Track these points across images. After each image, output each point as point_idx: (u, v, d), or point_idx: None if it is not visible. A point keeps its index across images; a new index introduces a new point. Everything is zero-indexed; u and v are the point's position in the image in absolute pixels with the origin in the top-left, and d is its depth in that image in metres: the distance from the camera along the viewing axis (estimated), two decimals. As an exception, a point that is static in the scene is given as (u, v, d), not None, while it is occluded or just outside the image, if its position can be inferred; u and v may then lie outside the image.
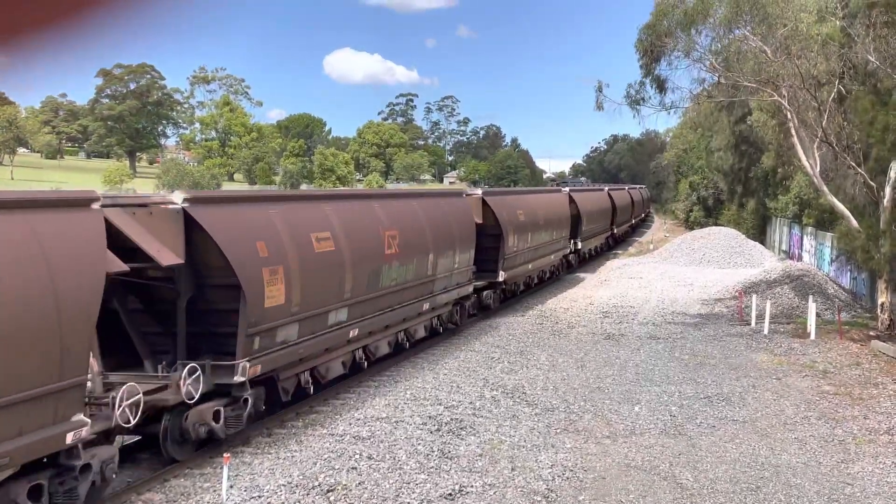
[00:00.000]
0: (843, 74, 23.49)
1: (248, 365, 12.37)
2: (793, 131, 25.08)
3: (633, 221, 71.48)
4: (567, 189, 39.94)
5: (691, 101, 28.53)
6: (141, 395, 10.75)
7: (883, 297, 23.68)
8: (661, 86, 26.82)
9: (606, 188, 54.84)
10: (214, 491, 10.88)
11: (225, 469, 9.91)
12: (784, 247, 47.21)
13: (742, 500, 11.19)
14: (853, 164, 23.47)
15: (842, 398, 16.75)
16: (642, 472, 12.26)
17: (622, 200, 56.81)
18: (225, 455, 10.27)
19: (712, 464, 12.65)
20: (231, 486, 10.79)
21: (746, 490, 11.55)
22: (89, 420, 9.66)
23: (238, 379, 12.27)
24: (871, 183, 23.25)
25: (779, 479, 12.05)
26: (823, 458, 13.10)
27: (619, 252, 53.26)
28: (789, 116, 24.90)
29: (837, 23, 23.93)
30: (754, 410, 15.76)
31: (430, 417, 14.53)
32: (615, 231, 53.57)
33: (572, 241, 37.17)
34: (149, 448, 12.46)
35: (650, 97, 27.05)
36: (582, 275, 38.98)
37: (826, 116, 23.58)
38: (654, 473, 12.20)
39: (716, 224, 59.54)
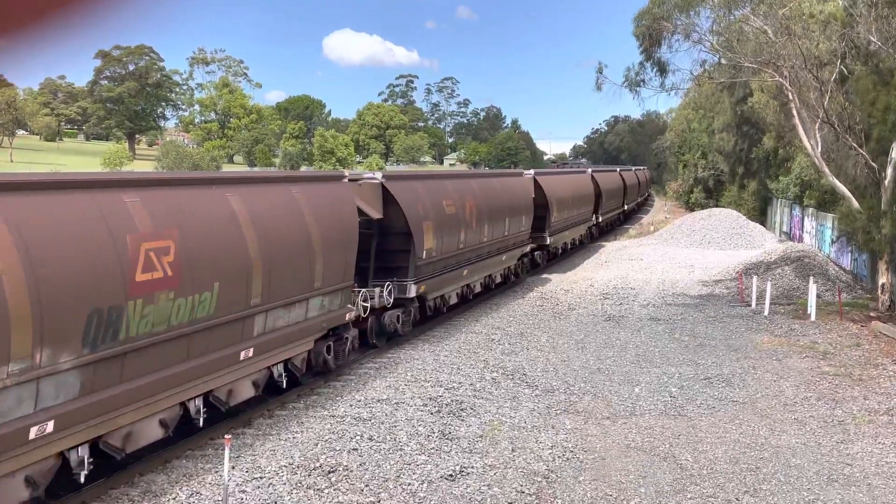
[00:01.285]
0: (844, 55, 23.39)
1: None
2: (794, 112, 25.01)
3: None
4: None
5: (692, 82, 28.44)
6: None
7: (883, 278, 23.68)
8: (661, 68, 26.74)
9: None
10: (216, 472, 10.92)
11: (226, 450, 9.94)
12: (785, 228, 47.17)
13: (741, 480, 11.24)
14: (854, 145, 23.41)
15: (842, 379, 16.79)
16: (642, 452, 12.31)
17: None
18: (226, 436, 10.30)
19: (712, 444, 12.69)
20: (233, 468, 10.83)
21: (746, 470, 11.60)
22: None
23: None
24: (873, 164, 23.19)
25: (778, 459, 12.09)
26: (823, 438, 13.15)
27: (623, 228, 53.28)
28: (790, 97, 24.81)
29: (839, 2, 23.79)
30: (754, 391, 15.80)
31: (430, 399, 14.57)
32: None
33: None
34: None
35: (650, 79, 26.99)
36: (583, 257, 39.03)
37: (827, 97, 23.49)
38: (653, 454, 12.24)
39: (716, 205, 59.49)
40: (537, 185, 30.84)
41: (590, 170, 48.51)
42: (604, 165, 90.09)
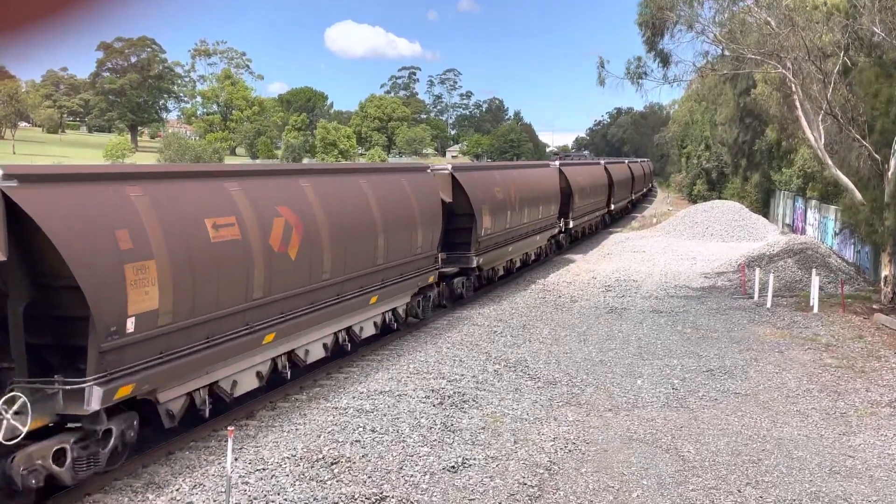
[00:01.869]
0: (848, 46, 23.31)
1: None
2: (797, 104, 24.94)
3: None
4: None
5: (695, 73, 28.36)
6: None
7: (886, 270, 23.65)
8: (664, 59, 26.67)
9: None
10: (219, 464, 10.95)
11: (229, 442, 9.96)
12: (788, 220, 47.12)
13: (744, 472, 11.25)
14: (858, 137, 23.34)
15: (844, 371, 16.80)
16: (644, 444, 12.32)
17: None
18: (229, 428, 10.33)
19: (714, 436, 12.71)
20: (236, 459, 10.87)
21: (748, 462, 11.61)
22: None
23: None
24: (876, 155, 23.13)
25: (780, 451, 12.10)
26: (825, 430, 13.16)
27: (621, 227, 53.23)
28: (794, 89, 24.74)
29: (843, -7, 23.69)
30: (756, 383, 15.81)
31: (432, 391, 14.59)
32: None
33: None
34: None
35: (652, 71, 26.92)
36: (584, 249, 38.98)
37: (831, 88, 23.42)
38: (656, 446, 12.26)
39: (719, 197, 59.41)
40: (457, 185, 22.41)
41: (557, 162, 37.94)
42: (603, 158, 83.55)
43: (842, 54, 23.33)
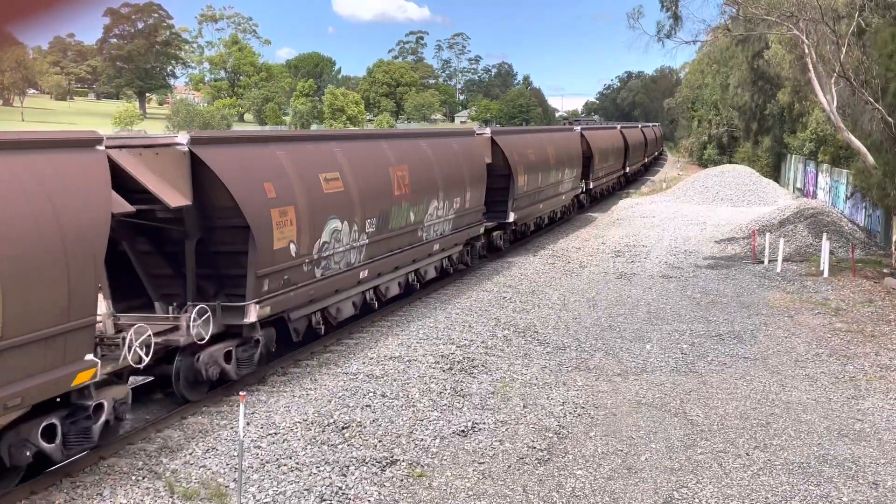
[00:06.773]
0: (863, 7, 22.96)
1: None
2: (810, 66, 24.64)
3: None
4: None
5: (708, 34, 28.08)
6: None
7: (898, 235, 23.51)
8: (676, 18, 26.44)
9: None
10: (231, 428, 11.07)
11: (241, 407, 10.04)
12: (799, 184, 46.82)
13: (752, 435, 11.31)
14: (871, 100, 23.05)
15: (854, 335, 16.78)
16: (653, 408, 12.38)
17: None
18: (241, 393, 10.41)
19: (723, 400, 12.75)
20: (248, 424, 10.97)
21: (756, 426, 11.66)
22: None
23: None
24: (889, 119, 22.86)
25: (789, 415, 12.15)
26: (834, 394, 13.18)
27: (632, 191, 52.98)
28: (807, 51, 24.43)
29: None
30: (766, 348, 15.82)
31: (442, 356, 14.66)
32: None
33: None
34: (162, 388, 12.69)
35: (668, 29, 26.70)
36: (594, 214, 38.91)
37: (844, 50, 23.11)
38: (664, 410, 12.31)
39: (730, 162, 59.02)
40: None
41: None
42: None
43: (856, 15, 22.99)
